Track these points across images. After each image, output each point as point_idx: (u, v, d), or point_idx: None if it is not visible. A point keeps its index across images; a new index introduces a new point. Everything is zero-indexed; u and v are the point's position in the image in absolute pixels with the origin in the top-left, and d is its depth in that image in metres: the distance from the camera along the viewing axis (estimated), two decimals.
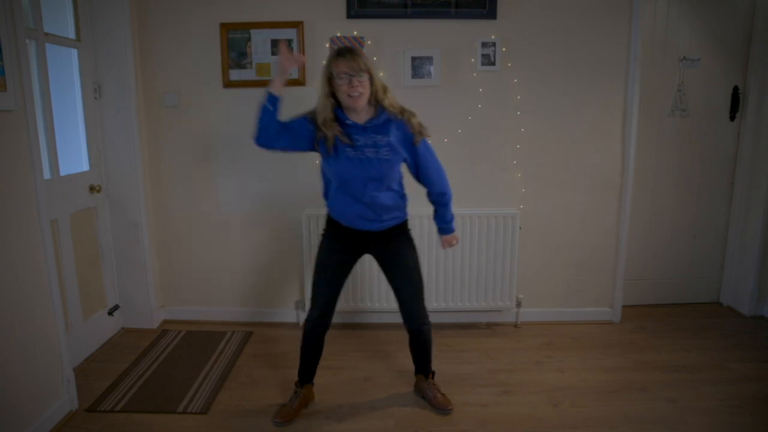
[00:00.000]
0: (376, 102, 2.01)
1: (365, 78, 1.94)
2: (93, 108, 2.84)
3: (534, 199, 3.08)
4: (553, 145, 3.03)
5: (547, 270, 3.18)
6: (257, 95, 2.93)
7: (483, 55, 2.90)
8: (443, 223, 2.23)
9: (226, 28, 2.89)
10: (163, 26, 2.93)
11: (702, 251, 3.43)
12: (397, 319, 3.17)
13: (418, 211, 2.94)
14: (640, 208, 3.25)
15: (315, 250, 2.97)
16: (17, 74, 1.98)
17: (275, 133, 2.04)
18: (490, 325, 3.18)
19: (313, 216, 2.98)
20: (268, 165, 3.05)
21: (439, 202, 2.20)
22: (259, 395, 2.44)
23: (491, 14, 2.87)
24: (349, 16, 2.87)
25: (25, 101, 2.03)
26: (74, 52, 2.72)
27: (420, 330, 2.26)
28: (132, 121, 2.88)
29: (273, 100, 2.04)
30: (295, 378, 2.33)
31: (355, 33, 2.89)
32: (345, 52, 1.94)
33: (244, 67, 2.93)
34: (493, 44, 2.89)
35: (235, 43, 2.91)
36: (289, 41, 2.90)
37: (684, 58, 3.16)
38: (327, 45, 2.90)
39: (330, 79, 1.96)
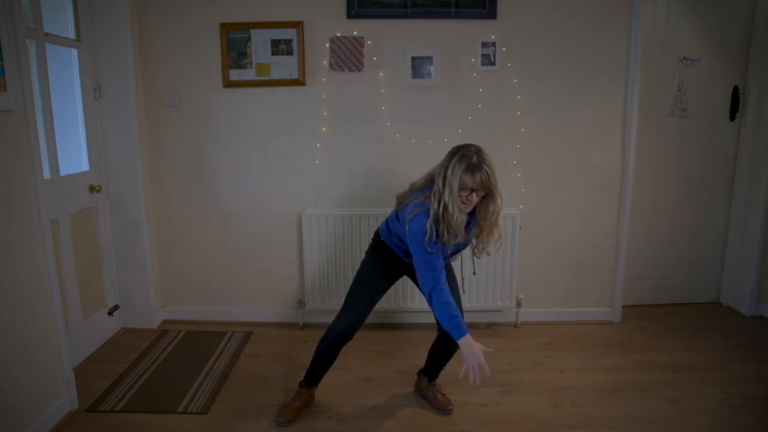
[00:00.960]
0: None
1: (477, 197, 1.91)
2: (93, 108, 2.84)
3: (534, 199, 3.08)
4: (553, 145, 3.03)
5: (547, 270, 3.18)
6: (257, 95, 2.98)
7: (483, 55, 2.90)
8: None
9: (226, 28, 2.89)
10: (163, 26, 2.93)
11: (702, 251, 3.43)
12: (398, 319, 3.19)
13: None
14: (640, 208, 3.25)
15: (315, 249, 3.01)
16: (17, 74, 1.98)
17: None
18: (490, 325, 3.18)
19: (314, 216, 2.98)
20: (268, 165, 3.05)
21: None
22: (259, 395, 2.44)
23: (491, 14, 2.87)
24: (349, 16, 2.87)
25: (25, 101, 2.03)
26: (74, 52, 2.72)
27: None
28: (132, 121, 2.88)
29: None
30: (297, 377, 2.33)
31: (355, 33, 2.89)
32: (475, 166, 1.86)
33: (244, 67, 2.93)
34: (493, 44, 2.89)
35: (235, 43, 2.91)
36: (289, 41, 2.90)
37: (684, 58, 3.16)
38: (327, 45, 2.90)
39: (452, 189, 1.87)
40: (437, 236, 1.91)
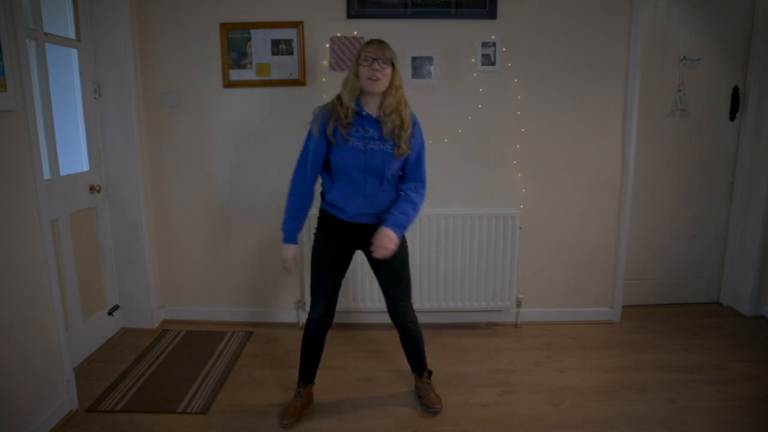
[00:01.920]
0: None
1: (387, 67, 1.99)
2: (93, 108, 2.84)
3: (534, 199, 3.08)
4: (553, 145, 3.03)
5: (547, 270, 3.18)
6: (257, 95, 2.98)
7: (483, 55, 2.90)
8: (394, 213, 2.08)
9: (226, 28, 2.89)
10: (163, 26, 2.93)
11: (702, 251, 3.43)
12: None
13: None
14: (640, 208, 3.25)
15: None
16: (17, 74, 1.98)
17: (311, 186, 2.15)
18: (490, 325, 3.18)
19: (314, 216, 2.96)
20: (268, 165, 3.05)
21: (409, 193, 2.13)
22: (259, 395, 2.44)
23: (491, 14, 2.87)
24: (349, 16, 2.87)
25: (25, 101, 2.03)
26: (74, 52, 2.72)
27: (406, 325, 2.27)
28: (132, 121, 2.88)
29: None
30: (296, 378, 2.33)
31: (355, 33, 2.89)
32: (375, 41, 2.05)
33: (244, 67, 2.93)
34: (493, 44, 2.89)
35: (235, 43, 2.91)
36: (289, 41, 2.90)
37: (684, 58, 3.16)
38: (327, 45, 2.90)
39: (357, 64, 2.02)
40: (328, 123, 2.02)
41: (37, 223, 2.11)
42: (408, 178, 2.15)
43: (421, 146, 2.13)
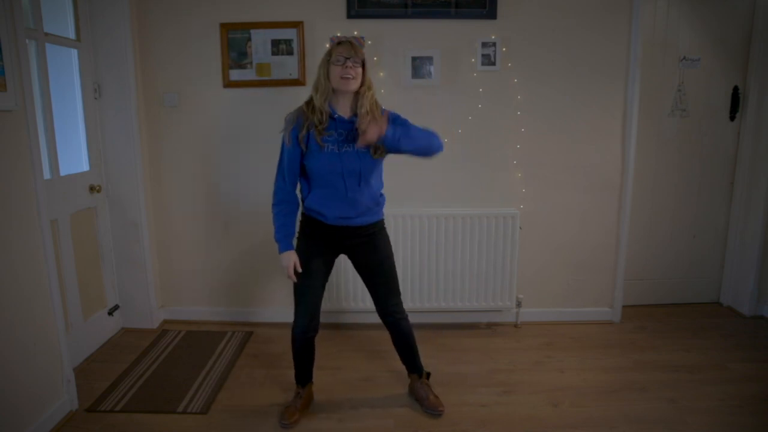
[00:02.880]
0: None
1: (359, 66, 2.00)
2: (93, 108, 2.84)
3: (534, 199, 3.08)
4: (553, 145, 3.03)
5: (547, 270, 3.18)
6: (257, 95, 2.98)
7: (483, 55, 2.90)
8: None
9: (226, 28, 2.89)
10: (163, 26, 2.93)
11: (702, 251, 3.43)
12: None
13: (402, 211, 2.96)
14: (640, 208, 3.25)
15: None
16: (17, 74, 1.98)
17: (292, 192, 2.13)
18: (490, 325, 3.18)
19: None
20: (268, 165, 3.04)
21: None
22: (259, 395, 2.44)
23: (491, 14, 2.87)
24: (349, 16, 2.87)
25: (25, 101, 2.03)
26: (74, 52, 2.72)
27: (398, 323, 2.26)
28: (132, 121, 2.88)
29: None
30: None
31: (355, 33, 2.89)
32: (345, 41, 2.05)
33: (244, 67, 2.93)
34: (493, 44, 2.89)
35: (235, 43, 2.91)
36: (289, 41, 2.90)
37: (684, 58, 3.16)
38: (327, 45, 2.90)
39: (327, 66, 2.02)
40: (299, 130, 2.01)
41: (37, 223, 2.11)
42: None
43: (404, 120, 2.09)
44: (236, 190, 3.10)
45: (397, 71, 2.93)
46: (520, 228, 3.01)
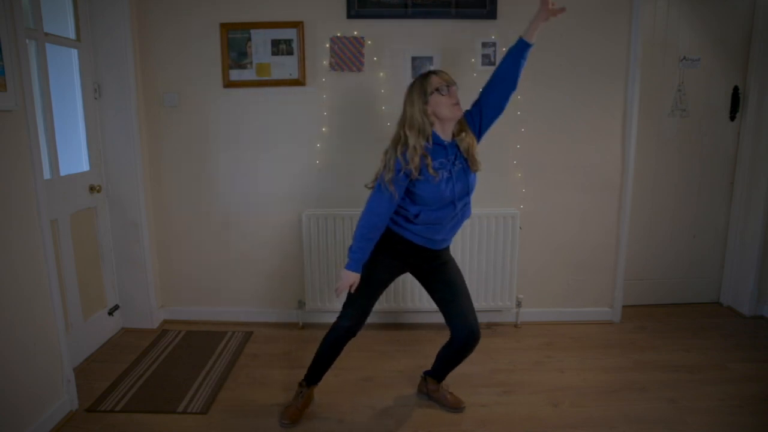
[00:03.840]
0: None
1: (456, 89, 2.00)
2: (93, 108, 2.84)
3: (534, 199, 3.08)
4: (553, 145, 3.03)
5: (547, 270, 3.18)
6: (257, 95, 2.98)
7: (483, 55, 2.90)
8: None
9: (226, 28, 2.89)
10: (163, 26, 2.93)
11: (702, 251, 3.43)
12: (399, 319, 3.19)
13: None
14: (640, 208, 3.25)
15: (315, 250, 3.01)
16: (17, 74, 1.98)
17: (387, 219, 2.05)
18: (490, 325, 3.18)
19: (313, 216, 2.98)
20: (268, 165, 3.06)
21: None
22: (259, 395, 2.44)
23: (491, 14, 2.87)
24: (349, 16, 2.87)
25: (25, 101, 2.03)
26: (74, 52, 2.72)
27: (470, 344, 2.14)
28: (132, 121, 2.88)
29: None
30: (298, 377, 2.33)
31: (355, 33, 2.89)
32: (433, 71, 2.02)
33: (244, 67, 2.93)
34: (494, 44, 2.89)
35: (235, 43, 2.91)
36: (289, 41, 2.90)
37: (684, 58, 3.16)
38: (327, 45, 2.90)
39: (423, 99, 1.97)
40: (405, 163, 1.93)
41: (37, 223, 2.11)
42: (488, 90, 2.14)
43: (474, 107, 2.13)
44: (236, 190, 3.09)
45: (397, 71, 2.93)
46: (520, 228, 3.01)
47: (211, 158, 3.07)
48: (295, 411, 2.23)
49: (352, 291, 2.06)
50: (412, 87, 2.02)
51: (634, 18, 2.89)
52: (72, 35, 2.70)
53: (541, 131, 3.01)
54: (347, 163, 3.03)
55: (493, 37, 2.89)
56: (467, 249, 2.99)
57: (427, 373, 2.40)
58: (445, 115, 1.97)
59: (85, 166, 2.83)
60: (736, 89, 3.22)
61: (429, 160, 1.95)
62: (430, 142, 1.97)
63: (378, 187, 2.00)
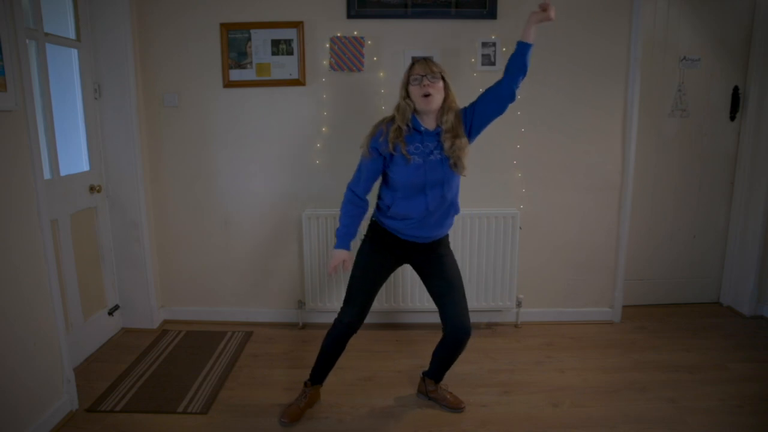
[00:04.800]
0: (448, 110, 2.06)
1: (438, 81, 2.00)
2: (93, 108, 2.84)
3: (534, 199, 3.08)
4: (553, 145, 3.03)
5: (547, 270, 3.18)
6: (257, 95, 2.98)
7: (483, 55, 2.90)
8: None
9: (226, 28, 2.89)
10: (163, 26, 2.93)
11: (702, 251, 3.43)
12: (398, 319, 3.19)
13: None
14: (640, 208, 3.25)
15: (315, 250, 3.01)
16: (17, 74, 1.98)
17: (363, 204, 2.16)
18: (490, 325, 3.18)
19: (313, 216, 2.98)
20: (268, 165, 3.06)
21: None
22: (259, 395, 2.44)
23: (491, 14, 2.87)
24: (349, 16, 2.87)
25: (25, 101, 2.03)
26: (74, 52, 2.72)
27: (461, 339, 2.15)
28: (132, 121, 2.88)
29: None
30: (298, 377, 2.33)
31: (355, 33, 2.89)
32: (420, 59, 2.07)
33: (244, 67, 2.93)
34: (494, 44, 2.89)
35: (235, 43, 2.91)
36: (289, 41, 2.90)
37: (684, 58, 3.16)
38: (327, 45, 2.90)
39: (407, 86, 2.03)
40: (384, 132, 2.03)
41: (37, 223, 2.11)
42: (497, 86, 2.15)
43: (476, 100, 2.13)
44: (236, 190, 3.09)
45: (397, 71, 2.92)
46: (520, 228, 3.01)
47: (211, 158, 3.07)
48: (296, 410, 2.23)
49: (344, 270, 2.13)
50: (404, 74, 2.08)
51: (634, 18, 2.89)
52: (72, 35, 2.70)
53: (541, 131, 3.01)
54: (347, 163, 3.00)
55: (493, 37, 2.89)
56: (467, 249, 2.99)
57: (425, 374, 2.40)
58: (417, 104, 2.01)
59: (85, 166, 2.83)
60: (736, 89, 3.22)
61: (403, 142, 2.00)
62: (411, 127, 2.02)
63: (358, 166, 2.12)
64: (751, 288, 3.26)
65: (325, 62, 2.92)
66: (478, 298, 3.05)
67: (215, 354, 2.81)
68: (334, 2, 2.87)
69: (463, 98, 2.96)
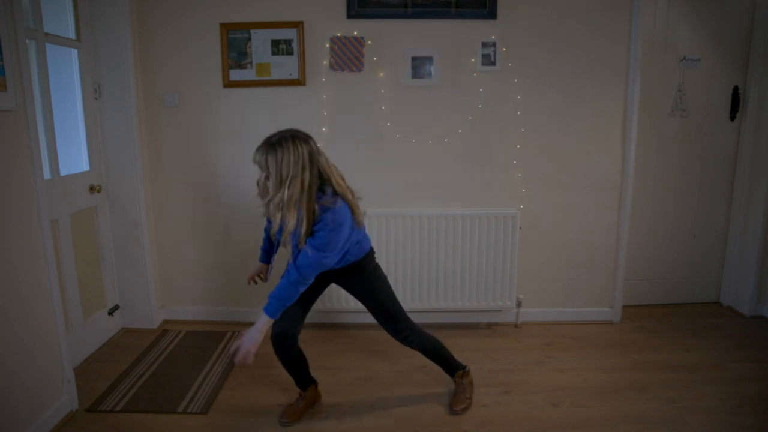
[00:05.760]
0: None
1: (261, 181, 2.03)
2: (93, 108, 2.84)
3: (534, 199, 3.08)
4: (553, 145, 3.03)
5: (547, 270, 3.18)
6: (257, 95, 2.98)
7: (483, 55, 2.90)
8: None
9: (226, 28, 2.89)
10: (163, 26, 2.93)
11: (702, 251, 3.43)
12: None
13: (403, 211, 2.96)
14: (640, 208, 3.25)
15: None
16: (17, 74, 1.98)
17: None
18: (490, 325, 3.18)
19: None
20: None
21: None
22: (260, 395, 2.44)
23: (491, 14, 2.87)
24: (349, 16, 2.87)
25: (25, 101, 2.03)
26: (74, 52, 2.72)
27: (415, 347, 2.25)
28: (132, 121, 2.88)
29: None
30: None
31: (355, 33, 2.89)
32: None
33: (244, 67, 2.94)
34: (494, 44, 2.89)
35: (235, 43, 2.91)
36: (289, 41, 2.90)
37: (684, 58, 3.16)
38: (327, 45, 2.90)
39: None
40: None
41: (37, 223, 2.11)
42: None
43: (323, 228, 1.97)
44: (236, 190, 3.09)
45: (397, 71, 2.93)
46: (520, 228, 3.01)
47: (211, 158, 3.07)
48: (296, 411, 2.23)
49: (259, 280, 2.35)
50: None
51: (634, 18, 2.89)
52: (72, 35, 2.70)
53: (541, 131, 3.01)
54: (347, 163, 3.02)
55: (493, 37, 2.89)
56: (467, 249, 2.99)
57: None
58: None
59: (85, 166, 2.83)
60: (736, 89, 3.22)
61: None
62: None
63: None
64: (751, 288, 3.26)
65: (325, 62, 2.93)
66: (478, 298, 3.05)
67: (215, 354, 2.81)
68: (334, 2, 2.87)
69: (464, 98, 2.98)
